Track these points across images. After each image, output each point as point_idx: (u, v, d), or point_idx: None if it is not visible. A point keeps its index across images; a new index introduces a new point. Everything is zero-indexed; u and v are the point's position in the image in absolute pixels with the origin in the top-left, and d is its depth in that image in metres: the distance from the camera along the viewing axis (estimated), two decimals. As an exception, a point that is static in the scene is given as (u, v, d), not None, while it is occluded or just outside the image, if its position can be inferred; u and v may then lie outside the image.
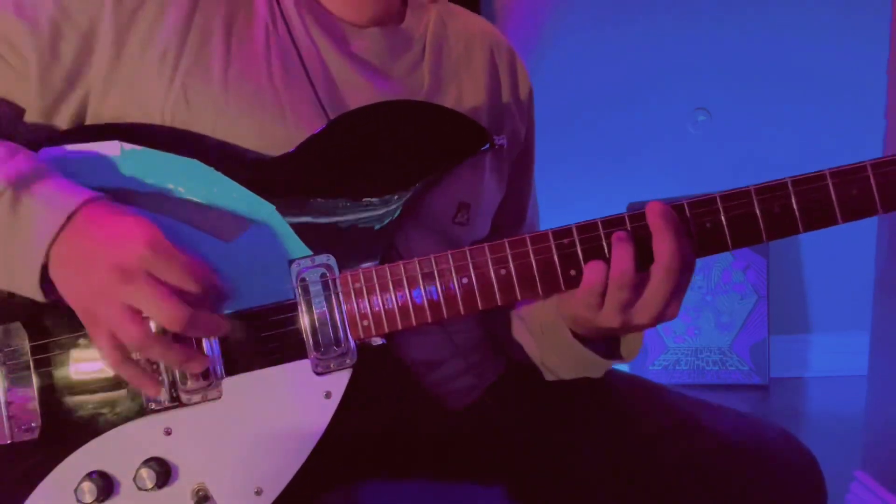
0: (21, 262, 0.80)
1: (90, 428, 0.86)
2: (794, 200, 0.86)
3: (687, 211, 0.87)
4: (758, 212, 0.86)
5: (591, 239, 0.87)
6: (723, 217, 0.87)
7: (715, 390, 3.00)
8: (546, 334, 1.00)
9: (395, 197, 0.90)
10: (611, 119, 3.19)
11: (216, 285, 0.82)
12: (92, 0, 0.89)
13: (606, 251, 0.86)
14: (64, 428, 0.86)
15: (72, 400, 0.86)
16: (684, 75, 3.15)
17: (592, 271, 0.85)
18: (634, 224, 0.86)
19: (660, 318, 0.88)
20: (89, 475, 0.85)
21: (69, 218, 0.79)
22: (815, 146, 3.05)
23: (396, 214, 0.90)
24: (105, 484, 0.85)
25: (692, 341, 3.14)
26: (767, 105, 3.14)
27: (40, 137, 0.91)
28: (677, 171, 3.14)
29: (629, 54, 3.16)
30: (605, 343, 0.97)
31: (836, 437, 2.16)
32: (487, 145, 0.93)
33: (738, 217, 0.86)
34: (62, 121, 0.93)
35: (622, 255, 0.84)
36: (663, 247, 0.84)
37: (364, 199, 0.90)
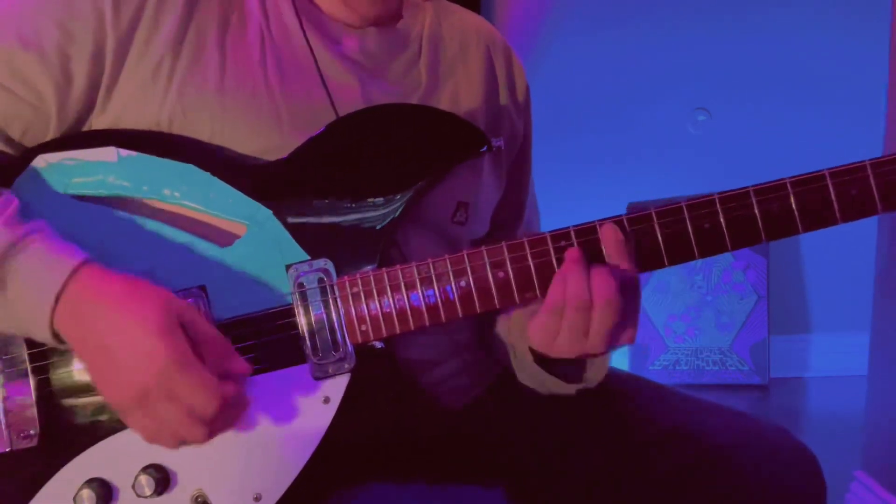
0: (32, 328, 0.81)
1: (89, 435, 0.86)
2: (793, 201, 0.85)
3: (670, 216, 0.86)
4: (757, 213, 0.86)
5: (589, 242, 0.86)
6: (721, 219, 0.86)
7: (715, 390, 3.00)
8: (515, 356, 1.00)
9: (398, 196, 0.90)
10: (611, 119, 3.19)
11: (234, 395, 0.81)
12: (93, 19, 0.89)
13: (604, 253, 0.86)
14: (63, 435, 0.86)
15: (70, 407, 0.86)
16: (684, 75, 3.16)
17: (555, 290, 0.85)
18: (633, 226, 0.86)
19: (613, 344, 0.87)
20: (88, 482, 0.85)
21: (61, 292, 0.78)
22: (815, 146, 3.05)
23: (398, 212, 0.90)
24: (104, 491, 0.85)
25: (692, 341, 3.14)
26: (767, 105, 3.14)
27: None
28: (677, 171, 3.14)
29: (629, 54, 3.16)
30: (572, 366, 0.96)
31: (836, 437, 2.16)
32: (485, 148, 0.93)
33: (737, 218, 0.86)
34: None
35: (576, 277, 0.84)
36: (591, 280, 0.84)
37: (368, 199, 0.90)
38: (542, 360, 0.94)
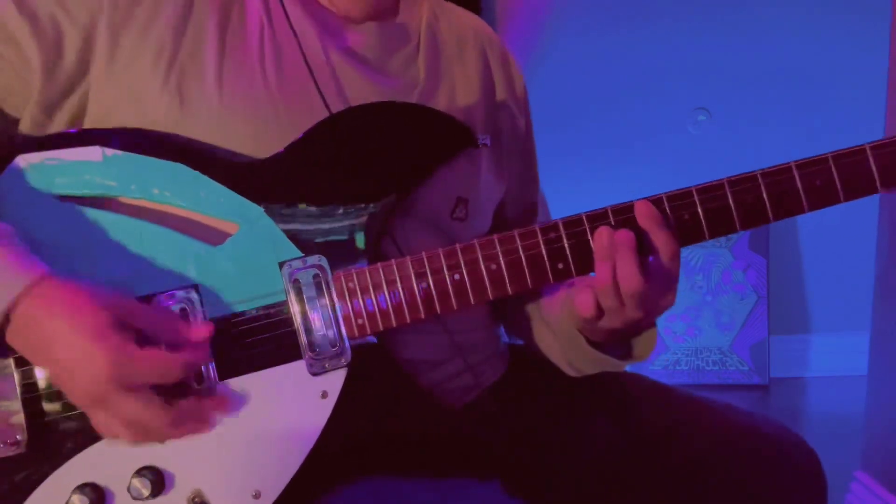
0: None
1: (79, 439, 0.84)
2: (798, 183, 0.90)
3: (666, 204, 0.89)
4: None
5: (576, 234, 0.89)
6: (731, 201, 0.89)
7: (715, 390, 3.00)
8: (568, 341, 1.01)
9: (391, 193, 0.90)
10: (611, 119, 3.19)
11: (198, 340, 0.82)
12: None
13: (591, 244, 0.88)
14: (51, 440, 0.84)
15: (58, 411, 0.85)
16: (684, 75, 3.15)
17: (603, 274, 0.87)
18: (618, 218, 0.88)
19: (653, 310, 0.90)
20: (79, 488, 0.83)
21: (8, 312, 0.77)
22: (816, 146, 3.03)
23: (392, 206, 0.91)
24: (96, 496, 0.83)
25: (692, 341, 3.13)
26: (767, 105, 3.13)
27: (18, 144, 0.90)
28: (677, 172, 3.14)
29: (629, 54, 3.15)
30: (620, 345, 0.99)
31: (836, 437, 2.16)
32: (474, 142, 0.94)
33: (740, 202, 0.89)
34: (60, 122, 0.92)
35: (629, 267, 0.86)
36: (660, 240, 0.87)
37: (358, 195, 0.90)
38: (594, 344, 0.98)
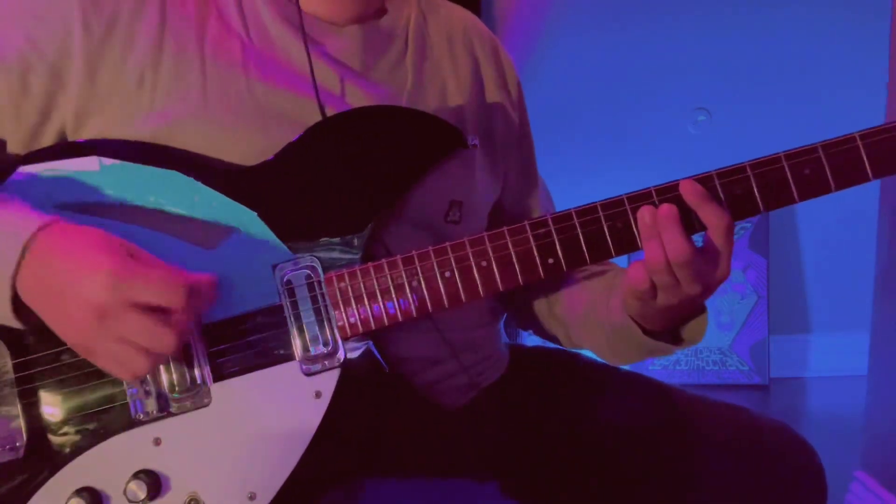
0: None
1: (77, 444, 0.85)
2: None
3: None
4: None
5: (566, 228, 0.89)
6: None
7: (715, 390, 2.99)
8: (617, 332, 1.00)
9: (382, 202, 0.91)
10: (611, 119, 3.18)
11: (196, 281, 0.81)
12: (61, 31, 0.89)
13: (582, 240, 0.88)
14: (50, 445, 0.85)
15: (57, 416, 0.86)
16: (684, 75, 3.15)
17: (652, 252, 0.86)
18: (607, 212, 0.89)
19: (716, 283, 0.89)
20: (77, 492, 0.84)
21: (26, 247, 0.78)
22: (815, 146, 3.03)
23: (384, 213, 0.91)
24: (94, 500, 0.84)
25: (692, 341, 3.13)
26: (767, 105, 3.13)
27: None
28: (677, 172, 3.12)
29: (629, 54, 3.15)
30: (670, 332, 0.98)
31: (836, 437, 2.15)
32: (464, 143, 0.94)
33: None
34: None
35: (674, 236, 0.85)
36: (716, 213, 0.87)
37: (350, 200, 0.90)
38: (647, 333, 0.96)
